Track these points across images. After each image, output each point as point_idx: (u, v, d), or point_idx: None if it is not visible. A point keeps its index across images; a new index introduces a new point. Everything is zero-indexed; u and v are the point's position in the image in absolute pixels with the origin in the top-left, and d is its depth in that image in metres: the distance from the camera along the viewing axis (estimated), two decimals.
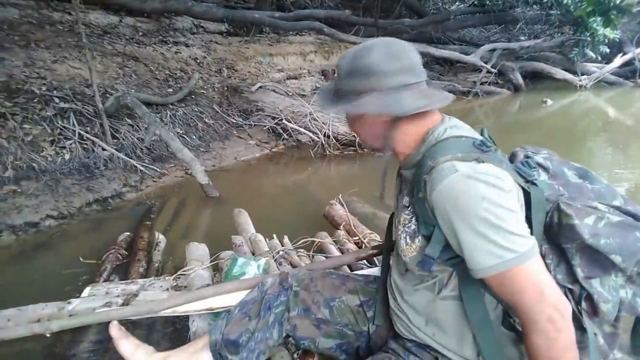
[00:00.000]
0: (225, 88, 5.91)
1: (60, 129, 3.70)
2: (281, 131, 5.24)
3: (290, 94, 5.86)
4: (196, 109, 5.11)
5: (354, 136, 4.83)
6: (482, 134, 1.02)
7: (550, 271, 0.90)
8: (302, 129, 5.09)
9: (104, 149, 3.80)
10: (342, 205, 2.81)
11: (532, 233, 0.88)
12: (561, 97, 8.58)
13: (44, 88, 3.94)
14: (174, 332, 1.83)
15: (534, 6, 10.46)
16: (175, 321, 1.84)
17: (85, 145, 3.75)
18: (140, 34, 6.30)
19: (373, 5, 9.14)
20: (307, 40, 8.39)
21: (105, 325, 1.44)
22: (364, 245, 2.18)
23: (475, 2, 10.70)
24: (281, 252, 2.10)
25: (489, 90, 8.98)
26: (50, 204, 3.16)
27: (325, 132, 4.93)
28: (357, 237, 2.34)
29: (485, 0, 10.19)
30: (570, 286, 0.92)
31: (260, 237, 2.30)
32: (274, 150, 5.13)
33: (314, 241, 2.24)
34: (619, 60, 9.68)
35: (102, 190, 3.52)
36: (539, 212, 0.92)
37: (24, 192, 3.14)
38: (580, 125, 6.72)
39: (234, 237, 2.35)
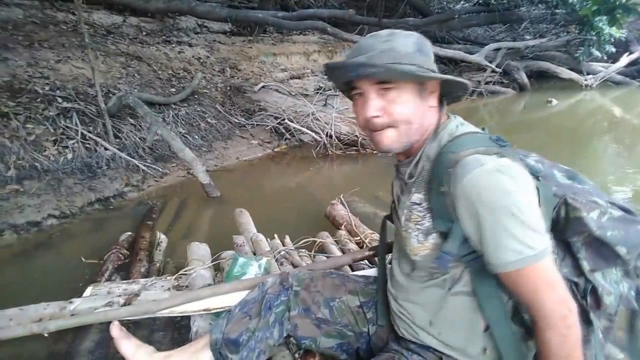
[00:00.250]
0: (228, 88, 5.91)
1: (63, 129, 3.71)
2: (283, 131, 5.24)
3: (293, 93, 5.85)
4: (199, 109, 5.11)
5: (356, 136, 4.83)
6: None
7: (556, 265, 0.90)
8: (304, 129, 5.08)
9: (106, 149, 3.81)
10: (344, 205, 2.80)
11: None
12: (567, 96, 8.52)
13: (47, 88, 3.96)
14: (175, 332, 1.82)
15: (539, 5, 10.40)
16: (176, 321, 1.84)
17: (87, 145, 3.76)
18: (144, 33, 6.32)
19: (377, 5, 9.11)
20: (310, 39, 8.38)
21: (107, 325, 1.44)
22: (365, 245, 2.18)
23: (480, 1, 10.64)
24: (282, 252, 2.10)
25: (494, 90, 8.93)
26: (53, 204, 3.17)
27: (327, 132, 4.92)
28: (358, 237, 2.34)
29: None
30: (576, 279, 0.94)
31: (261, 237, 2.30)
32: (276, 150, 5.13)
33: (315, 241, 2.23)
34: (625, 60, 9.61)
35: (104, 190, 3.52)
36: (547, 208, 0.93)
37: (26, 192, 3.14)
38: (586, 125, 6.66)
39: (235, 237, 2.35)
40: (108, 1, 6.32)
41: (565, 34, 10.36)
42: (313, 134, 5.01)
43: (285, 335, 1.27)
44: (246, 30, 7.97)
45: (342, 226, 2.55)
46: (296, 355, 1.38)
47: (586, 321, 0.93)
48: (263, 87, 5.88)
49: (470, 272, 0.95)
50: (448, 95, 1.05)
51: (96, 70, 3.87)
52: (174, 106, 4.85)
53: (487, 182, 0.84)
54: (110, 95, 4.22)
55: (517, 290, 0.87)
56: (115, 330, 1.28)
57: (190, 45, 6.51)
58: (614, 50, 9.02)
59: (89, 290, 1.83)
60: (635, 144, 5.29)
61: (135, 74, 5.07)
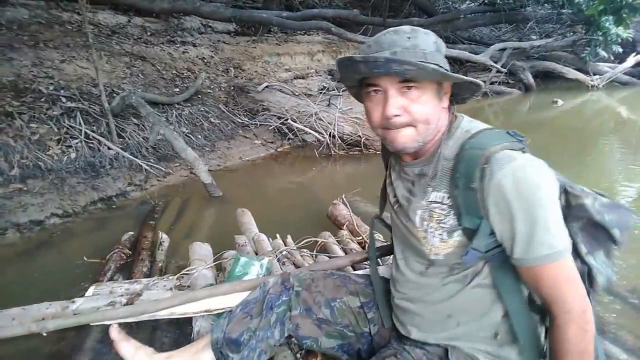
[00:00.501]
0: (232, 88, 5.91)
1: (67, 128, 3.72)
2: (287, 131, 5.23)
3: (296, 93, 5.83)
4: (202, 109, 5.11)
5: (359, 136, 4.81)
6: None
7: None
8: (307, 129, 5.07)
9: (109, 148, 3.81)
10: (345, 205, 2.80)
11: None
12: (573, 97, 8.47)
13: (51, 87, 3.97)
14: (177, 332, 1.83)
15: (545, 5, 10.33)
16: (178, 321, 1.83)
17: (91, 145, 3.77)
18: (149, 33, 6.34)
19: (382, 5, 9.09)
20: (315, 39, 8.37)
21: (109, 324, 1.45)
22: (367, 245, 2.16)
23: (486, 1, 10.59)
24: (284, 252, 2.11)
25: (499, 90, 8.88)
26: (56, 203, 3.18)
27: (330, 132, 4.90)
28: (360, 237, 2.34)
29: None
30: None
31: (263, 236, 2.31)
32: (279, 150, 5.12)
33: (317, 241, 2.23)
34: (632, 60, 9.52)
35: (107, 189, 3.52)
36: None
37: (29, 191, 3.15)
38: (592, 125, 6.61)
39: (237, 237, 2.36)
40: (113, 1, 6.35)
41: (571, 34, 10.28)
42: (316, 134, 5.00)
43: (286, 335, 1.27)
44: (250, 30, 7.98)
45: (344, 226, 2.55)
46: (298, 355, 1.39)
47: None
48: (266, 87, 5.87)
49: (490, 265, 0.97)
50: (457, 96, 1.05)
51: (100, 70, 3.89)
52: (177, 106, 4.86)
53: (520, 177, 0.86)
54: (114, 95, 4.23)
55: (539, 285, 0.89)
56: (114, 333, 1.28)
57: (194, 45, 6.52)
58: (620, 50, 8.94)
59: (91, 290, 1.84)
60: None
61: (139, 74, 5.08)
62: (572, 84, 9.40)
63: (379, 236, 2.20)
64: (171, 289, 1.92)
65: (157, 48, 5.92)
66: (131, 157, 3.86)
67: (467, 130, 0.99)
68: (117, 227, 2.97)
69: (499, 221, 0.89)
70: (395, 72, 0.88)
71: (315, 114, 5.07)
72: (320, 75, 7.42)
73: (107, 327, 1.73)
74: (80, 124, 3.80)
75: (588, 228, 0.96)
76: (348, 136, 4.90)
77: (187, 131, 4.67)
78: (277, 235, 2.35)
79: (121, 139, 4.01)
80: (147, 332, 1.83)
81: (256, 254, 2.16)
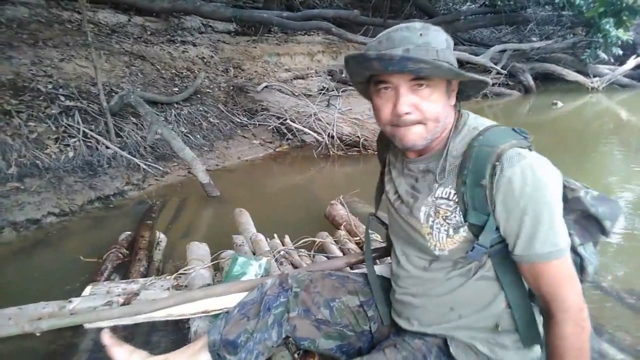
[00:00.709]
0: (231, 87, 5.91)
1: (65, 127, 3.71)
2: (285, 131, 5.22)
3: (296, 94, 5.83)
4: (201, 108, 5.11)
5: (358, 137, 4.81)
6: None
7: None
8: (306, 129, 5.07)
9: (107, 147, 3.81)
10: (343, 205, 2.80)
11: None
12: (572, 99, 8.46)
13: (50, 86, 3.97)
14: (174, 332, 1.82)
15: (546, 7, 10.33)
16: (175, 322, 1.82)
17: (89, 144, 3.77)
18: (149, 33, 6.34)
19: (382, 5, 9.09)
20: (315, 40, 8.37)
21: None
22: (365, 245, 2.16)
23: (486, 3, 10.60)
24: (282, 252, 2.10)
25: (499, 92, 8.88)
26: (53, 201, 3.17)
27: (329, 133, 4.90)
28: (357, 237, 2.34)
29: (496, 1, 10.07)
30: None
31: (261, 236, 2.31)
32: (278, 150, 5.12)
33: (314, 241, 2.23)
34: (632, 62, 9.51)
35: (105, 188, 3.52)
36: None
37: (26, 189, 3.15)
38: (592, 127, 6.61)
39: (235, 237, 2.36)
40: (114, 0, 6.34)
41: (571, 36, 10.29)
42: (315, 135, 5.00)
43: (284, 336, 1.27)
44: (251, 30, 7.98)
45: (342, 226, 2.55)
46: (296, 356, 1.38)
47: None
48: (266, 87, 5.87)
49: (493, 258, 0.99)
50: (462, 93, 1.05)
51: (99, 69, 3.88)
52: (176, 105, 4.85)
53: (529, 175, 0.87)
54: (114, 94, 4.23)
55: (539, 282, 0.91)
56: (107, 338, 1.26)
57: (194, 45, 6.52)
58: (620, 52, 8.94)
59: (88, 290, 1.84)
60: None
61: (139, 73, 5.08)
62: (572, 86, 9.40)
63: (376, 236, 2.20)
64: (168, 288, 1.91)
65: (157, 47, 5.92)
66: (129, 156, 3.85)
67: (475, 127, 0.99)
68: (114, 227, 2.96)
69: (505, 217, 0.91)
70: (410, 71, 0.87)
71: (314, 115, 5.07)
72: (320, 76, 7.41)
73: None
74: (78, 122, 3.79)
75: (581, 220, 0.99)
76: (347, 137, 4.89)
77: (185, 131, 4.66)
78: (275, 235, 2.35)
79: (119, 138, 4.00)
80: (143, 332, 1.82)
81: (254, 254, 2.15)
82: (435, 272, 1.07)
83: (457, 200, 0.98)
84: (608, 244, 2.67)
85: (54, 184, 3.29)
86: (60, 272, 2.48)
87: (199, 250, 2.18)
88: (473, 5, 11.36)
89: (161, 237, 2.67)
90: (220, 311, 1.49)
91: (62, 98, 3.89)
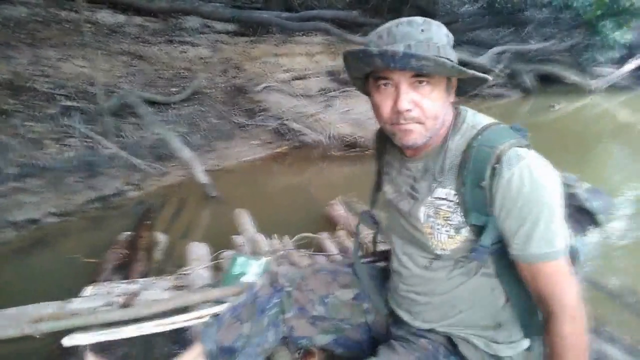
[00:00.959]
0: (230, 88, 5.89)
1: (64, 127, 3.70)
2: (285, 131, 5.21)
3: (295, 94, 5.82)
4: (200, 109, 5.10)
5: (357, 137, 4.81)
6: None
7: None
8: (305, 130, 5.06)
9: (106, 147, 3.79)
10: (342, 205, 2.82)
11: None
12: (571, 101, 8.47)
13: (48, 86, 3.96)
14: (174, 332, 1.80)
15: (544, 9, 10.35)
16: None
17: (88, 144, 3.75)
18: (148, 33, 6.31)
19: (381, 6, 9.09)
20: (314, 40, 8.34)
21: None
22: (364, 245, 2.17)
23: (485, 5, 10.61)
24: (281, 252, 2.12)
25: (498, 93, 8.87)
26: (52, 201, 3.16)
27: (328, 133, 4.90)
28: None
29: (495, 3, 10.08)
30: None
31: (260, 236, 2.32)
32: (277, 150, 5.10)
33: (313, 241, 2.24)
34: (631, 64, 9.54)
35: (104, 189, 3.51)
36: None
37: (26, 189, 3.14)
38: (591, 129, 6.63)
39: (235, 237, 2.38)
40: (112, 0, 6.32)
41: (570, 38, 10.30)
42: (314, 135, 4.99)
43: (281, 336, 1.26)
44: (250, 31, 7.95)
45: (341, 226, 2.56)
46: (296, 355, 1.38)
47: None
48: (265, 87, 5.86)
49: (493, 256, 0.99)
50: (460, 89, 1.03)
51: (98, 69, 3.88)
52: (175, 105, 4.85)
53: (528, 176, 0.87)
54: (112, 94, 4.21)
55: (536, 282, 0.91)
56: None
57: (193, 45, 6.50)
58: (619, 55, 8.96)
59: (88, 290, 1.84)
60: None
61: (137, 73, 5.07)
62: (571, 88, 9.40)
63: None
64: (168, 289, 1.91)
65: (156, 47, 5.90)
66: (128, 156, 3.84)
67: (473, 126, 0.97)
68: (113, 227, 2.95)
69: (503, 218, 0.91)
70: (412, 68, 0.85)
71: (314, 115, 5.06)
72: (319, 77, 7.40)
73: (105, 324, 1.73)
74: (77, 122, 3.78)
75: (575, 214, 1.03)
76: (346, 137, 4.89)
77: (184, 131, 4.65)
78: (275, 235, 2.35)
79: (118, 138, 3.99)
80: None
81: (253, 254, 2.15)
82: (437, 270, 1.06)
83: (457, 200, 0.97)
84: (609, 244, 2.69)
85: (53, 184, 3.29)
86: (60, 272, 2.48)
87: (198, 251, 2.18)
88: (472, 7, 11.36)
89: (161, 237, 2.68)
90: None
91: (61, 98, 3.88)
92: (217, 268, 2.05)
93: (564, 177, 1.01)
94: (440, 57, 0.86)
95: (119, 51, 5.26)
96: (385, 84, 0.93)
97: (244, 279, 1.78)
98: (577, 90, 9.25)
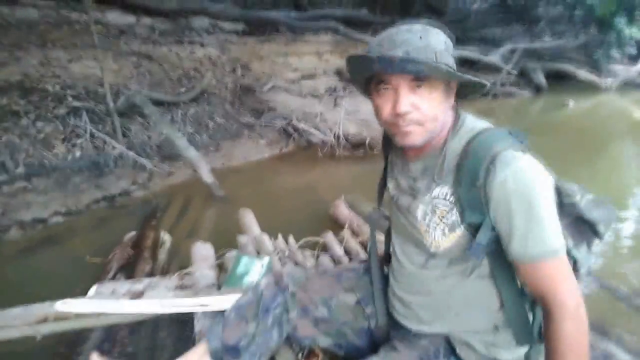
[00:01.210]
0: (238, 87, 5.91)
1: (72, 127, 3.74)
2: (292, 131, 5.20)
3: (303, 94, 5.81)
4: (208, 108, 5.12)
5: (364, 137, 4.78)
6: None
7: None
8: (312, 129, 5.05)
9: (114, 147, 3.82)
10: (347, 205, 2.81)
11: None
12: (585, 98, 8.35)
13: (58, 87, 4.00)
14: (178, 331, 1.79)
15: (557, 6, 10.20)
16: (179, 321, 1.80)
17: (96, 144, 3.78)
18: (157, 33, 6.35)
19: (391, 4, 9.05)
20: (323, 39, 8.33)
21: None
22: (368, 245, 2.16)
23: (497, 2, 10.50)
24: (286, 252, 2.12)
25: (510, 91, 8.77)
26: (59, 201, 3.19)
27: (335, 133, 4.88)
28: (361, 237, 2.34)
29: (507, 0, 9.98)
30: None
31: (265, 236, 2.32)
32: (284, 150, 5.09)
33: (318, 241, 2.24)
34: None
35: (111, 188, 3.53)
36: None
37: (34, 189, 3.18)
38: (605, 127, 6.53)
39: (239, 237, 2.36)
40: (123, 1, 6.37)
41: (583, 34, 10.14)
42: (321, 135, 4.98)
43: (285, 336, 1.28)
44: (258, 30, 7.97)
45: (346, 226, 2.54)
46: (299, 356, 1.39)
47: None
48: (272, 86, 5.86)
49: (489, 257, 1.00)
50: (460, 93, 1.06)
51: (107, 70, 3.91)
52: (182, 105, 4.87)
53: (521, 177, 0.89)
54: (121, 94, 4.25)
55: (535, 282, 0.92)
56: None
57: (202, 45, 6.52)
58: (634, 51, 8.80)
59: (93, 289, 1.85)
60: None
61: (146, 74, 5.10)
62: (585, 86, 9.26)
63: (381, 235, 2.18)
64: (173, 288, 1.91)
65: (165, 48, 5.93)
66: (135, 156, 3.87)
67: (472, 129, 1.00)
68: (119, 226, 2.96)
69: (499, 219, 0.92)
70: (409, 72, 0.90)
71: (321, 114, 5.05)
72: (328, 76, 7.38)
73: (109, 326, 1.75)
74: (85, 123, 3.82)
75: (575, 224, 1.02)
76: (353, 137, 4.87)
77: (192, 130, 4.67)
78: (279, 235, 2.35)
79: (126, 138, 4.02)
80: (148, 332, 1.80)
81: (258, 253, 2.14)
82: (432, 269, 1.09)
83: (453, 200, 0.99)
84: (617, 246, 2.66)
85: (60, 184, 3.32)
86: (66, 271, 2.49)
87: (203, 250, 2.18)
88: (484, 4, 11.26)
89: (166, 236, 2.69)
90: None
91: (70, 98, 3.92)
92: (221, 268, 2.03)
93: (563, 187, 1.01)
94: (437, 61, 0.90)
95: (129, 52, 5.29)
96: (385, 88, 0.97)
97: (248, 279, 1.77)
98: (590, 88, 9.11)
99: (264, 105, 5.56)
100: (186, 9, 6.82)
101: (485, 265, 1.02)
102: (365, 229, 2.39)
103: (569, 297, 0.89)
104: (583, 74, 9.27)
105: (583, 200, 1.00)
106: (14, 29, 4.59)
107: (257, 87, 5.87)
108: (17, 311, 1.77)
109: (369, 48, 0.98)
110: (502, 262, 0.98)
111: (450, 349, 1.10)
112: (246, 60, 6.71)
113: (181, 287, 1.91)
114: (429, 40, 0.92)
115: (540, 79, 9.13)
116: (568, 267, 0.91)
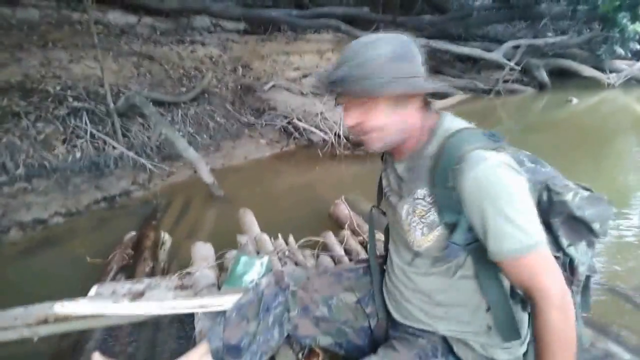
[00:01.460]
0: (239, 87, 5.90)
1: (73, 128, 3.75)
2: (292, 130, 5.19)
3: (304, 93, 5.79)
4: (208, 108, 5.11)
5: None
6: None
7: None
8: (313, 129, 5.04)
9: (114, 148, 3.82)
10: (347, 205, 2.80)
11: None
12: (588, 95, 8.29)
13: (58, 87, 4.01)
14: (179, 331, 1.81)
15: (560, 1, 10.12)
16: (180, 321, 1.83)
17: (96, 144, 3.79)
18: (158, 33, 6.35)
19: (393, 2, 9.01)
20: (324, 38, 8.30)
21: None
22: (368, 245, 2.15)
23: None
24: (286, 252, 2.12)
25: (512, 89, 8.72)
26: (59, 202, 3.20)
27: (336, 132, 4.87)
28: (361, 237, 2.34)
29: None
30: (556, 254, 1.00)
31: (265, 236, 2.33)
32: (284, 149, 5.08)
33: (318, 241, 2.23)
34: None
35: (111, 189, 3.54)
36: (533, 194, 0.99)
37: (34, 190, 3.18)
38: (609, 124, 6.48)
39: (239, 237, 2.37)
40: (124, 1, 6.37)
41: (587, 31, 10.06)
42: (321, 134, 4.97)
43: (285, 335, 1.29)
44: (260, 29, 7.96)
45: (346, 225, 2.54)
46: (299, 355, 1.41)
47: None
48: (273, 86, 5.84)
49: (472, 257, 1.01)
50: (434, 94, 1.08)
51: (107, 70, 3.91)
52: (183, 105, 4.87)
53: (490, 176, 0.89)
54: (121, 94, 4.24)
55: (517, 277, 0.92)
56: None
57: (203, 45, 6.51)
58: (638, 47, 8.72)
59: (93, 290, 1.85)
60: None
61: (147, 74, 5.10)
62: (588, 82, 9.20)
63: (380, 235, 2.16)
64: (173, 288, 1.91)
65: (166, 47, 5.93)
66: (135, 156, 3.87)
67: (447, 129, 1.02)
68: (119, 227, 2.97)
69: (473, 219, 0.93)
70: (340, 93, 0.98)
71: (321, 113, 5.03)
72: None
73: (110, 326, 1.77)
74: (86, 123, 3.82)
75: (569, 222, 1.01)
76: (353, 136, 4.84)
77: (192, 130, 4.67)
78: (279, 235, 2.35)
79: (126, 139, 4.03)
80: (149, 333, 1.81)
81: (258, 253, 2.15)
82: (418, 267, 1.11)
83: (431, 201, 1.01)
84: (616, 244, 2.65)
85: (60, 185, 3.32)
86: (66, 271, 2.50)
87: (203, 250, 2.19)
88: (486, 1, 11.19)
89: (166, 237, 2.69)
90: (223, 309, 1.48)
91: (70, 99, 3.92)
92: (221, 268, 2.03)
93: (554, 184, 1.02)
94: (375, 77, 0.92)
95: (129, 52, 5.29)
96: (338, 104, 1.05)
97: (248, 278, 1.77)
98: (594, 85, 9.05)
99: (265, 104, 5.55)
100: (187, 8, 6.82)
101: (468, 265, 1.03)
102: (366, 229, 2.39)
103: (552, 287, 0.88)
104: (586, 70, 9.20)
105: (576, 198, 1.00)
106: (15, 30, 4.60)
107: (257, 86, 5.86)
108: (17, 312, 1.78)
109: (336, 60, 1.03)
110: (485, 262, 0.98)
111: (448, 347, 1.11)
112: (247, 59, 6.70)
113: (181, 287, 1.91)
114: (372, 54, 0.95)
115: (544, 75, 9.06)
116: (550, 260, 0.91)
